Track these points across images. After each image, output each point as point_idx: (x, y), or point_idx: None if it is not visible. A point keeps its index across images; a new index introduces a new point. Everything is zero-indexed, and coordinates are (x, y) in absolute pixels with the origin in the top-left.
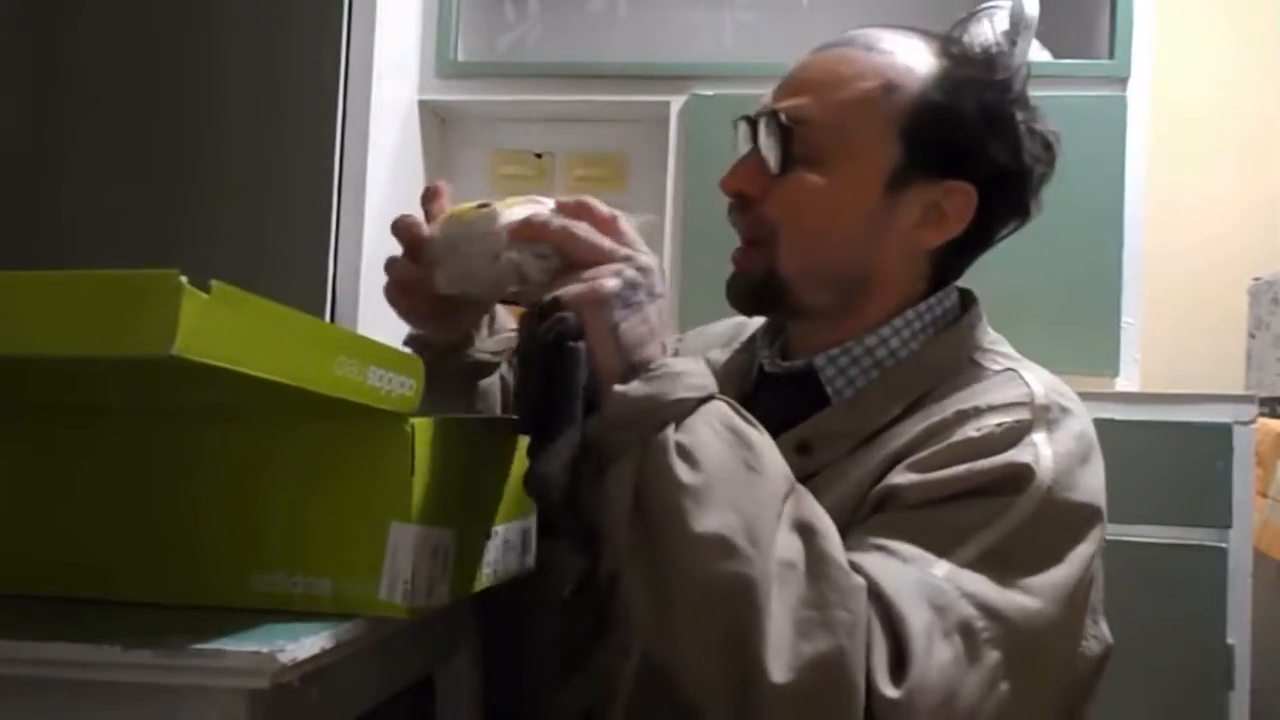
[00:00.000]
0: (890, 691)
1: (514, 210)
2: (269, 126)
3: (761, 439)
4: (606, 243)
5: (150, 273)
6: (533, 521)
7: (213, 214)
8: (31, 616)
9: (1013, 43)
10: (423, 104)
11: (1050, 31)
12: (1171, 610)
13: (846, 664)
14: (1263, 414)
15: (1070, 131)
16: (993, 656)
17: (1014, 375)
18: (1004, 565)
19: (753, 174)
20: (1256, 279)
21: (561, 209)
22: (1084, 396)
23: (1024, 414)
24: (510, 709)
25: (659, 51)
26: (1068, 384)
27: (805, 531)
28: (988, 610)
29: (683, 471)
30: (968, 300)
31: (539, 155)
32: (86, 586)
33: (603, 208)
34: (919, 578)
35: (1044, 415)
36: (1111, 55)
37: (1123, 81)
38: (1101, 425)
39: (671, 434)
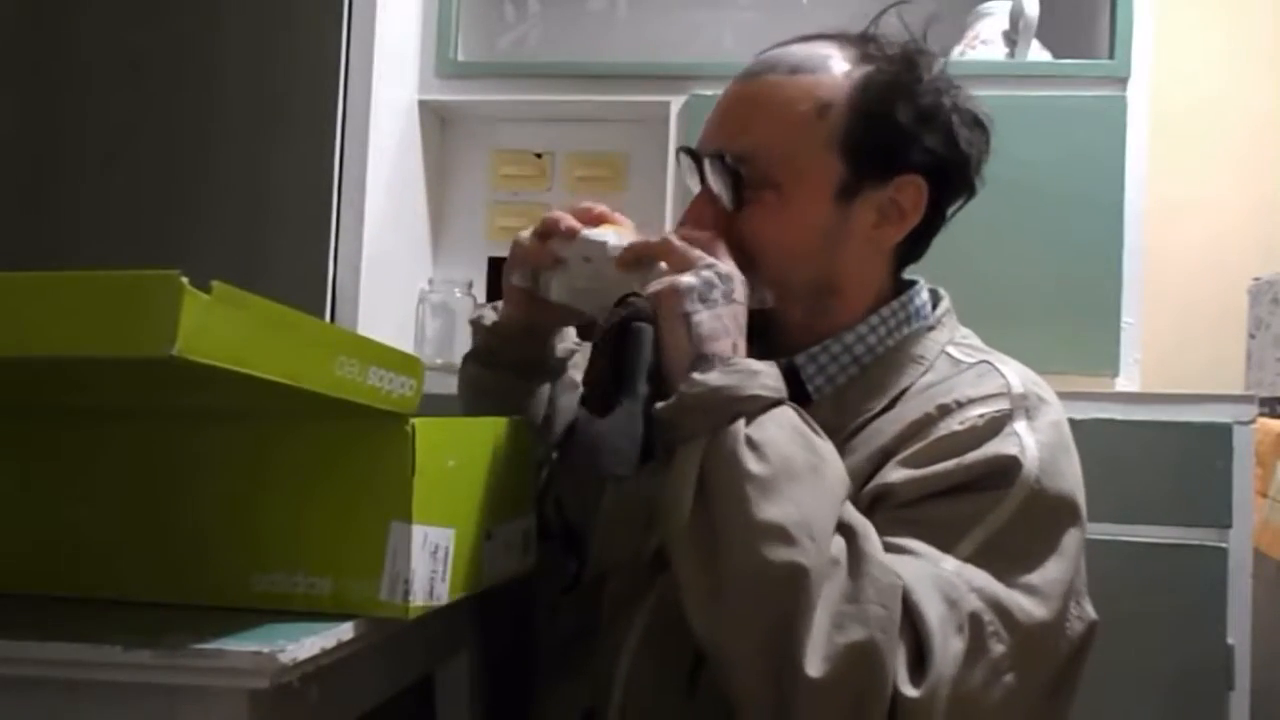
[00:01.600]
0: (910, 690)
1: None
2: (269, 126)
3: (825, 445)
4: (696, 251)
5: (151, 273)
6: (532, 521)
7: (213, 214)
8: (32, 616)
9: (924, 33)
10: (423, 104)
11: (1050, 31)
12: (1171, 610)
13: (878, 656)
14: (1263, 414)
15: (1070, 131)
16: (998, 650)
17: (989, 368)
18: (1002, 559)
19: (710, 214)
20: (1256, 279)
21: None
22: (1084, 396)
23: (1003, 404)
24: (510, 710)
25: (659, 51)
26: (1067, 384)
27: (847, 531)
28: (994, 605)
29: (750, 461)
30: (936, 297)
31: (539, 155)
32: (88, 586)
33: (700, 233)
34: (932, 571)
35: (1022, 404)
36: (1111, 55)
37: (1123, 81)
38: (1101, 425)
39: (742, 426)
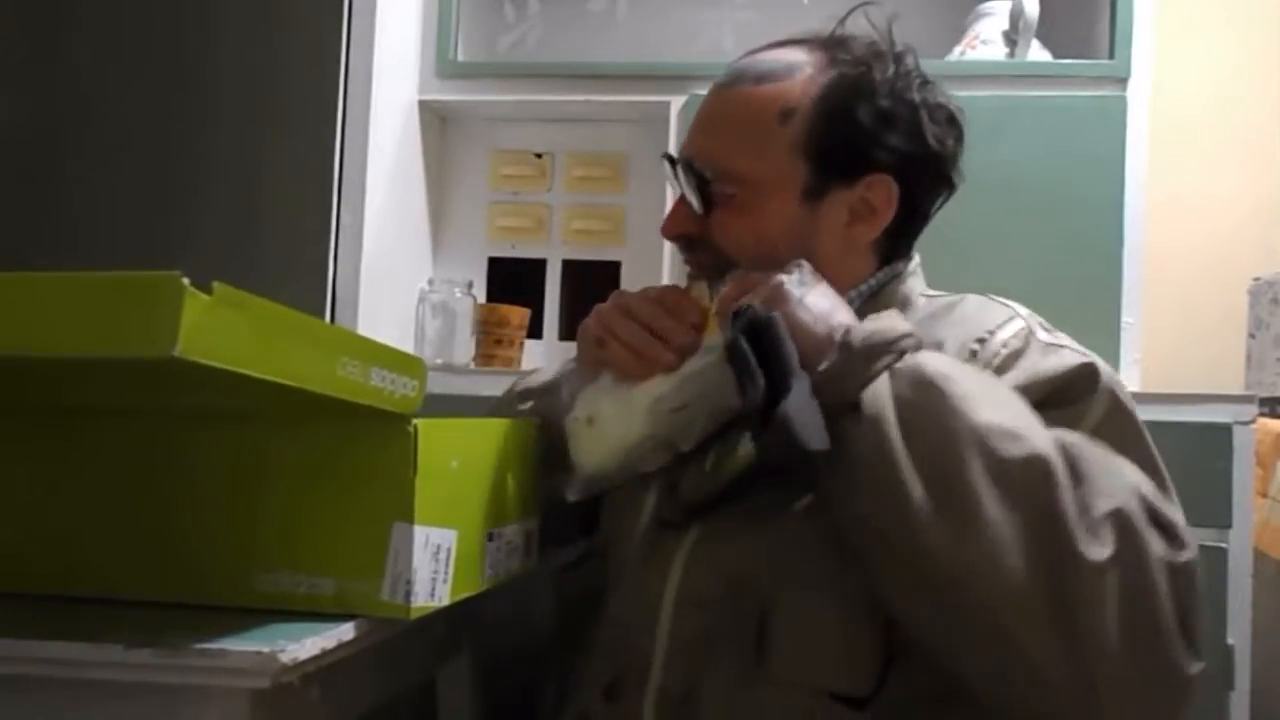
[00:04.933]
0: (1177, 555)
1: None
2: (269, 126)
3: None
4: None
5: (153, 274)
6: (536, 523)
7: (212, 214)
8: (33, 615)
9: (889, 31)
10: (423, 104)
11: (1050, 31)
12: None
13: (1132, 522)
14: (1263, 414)
15: (1070, 131)
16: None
17: (982, 299)
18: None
19: (686, 216)
20: (1256, 279)
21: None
22: None
23: (1019, 323)
24: (511, 710)
25: (659, 51)
26: None
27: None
28: (1146, 504)
29: (943, 381)
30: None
31: (539, 155)
32: (90, 586)
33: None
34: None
35: (1034, 320)
36: (1111, 55)
37: (1123, 81)
38: None
39: (915, 358)
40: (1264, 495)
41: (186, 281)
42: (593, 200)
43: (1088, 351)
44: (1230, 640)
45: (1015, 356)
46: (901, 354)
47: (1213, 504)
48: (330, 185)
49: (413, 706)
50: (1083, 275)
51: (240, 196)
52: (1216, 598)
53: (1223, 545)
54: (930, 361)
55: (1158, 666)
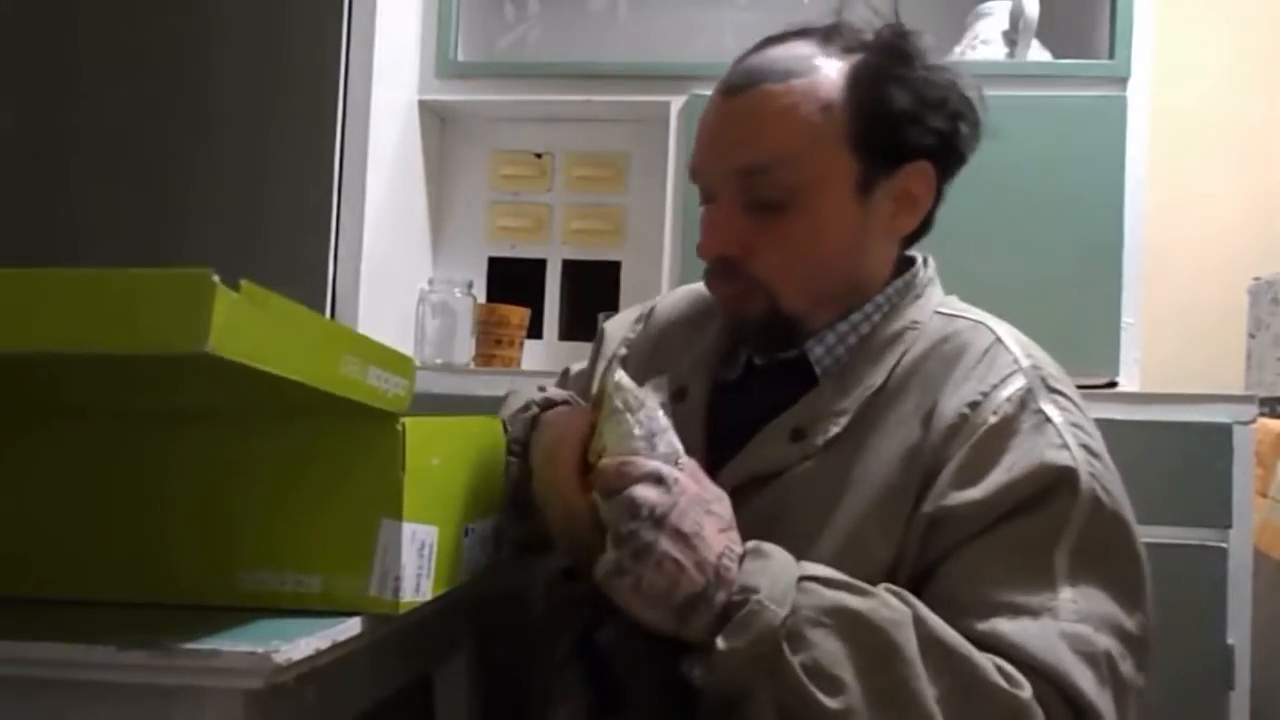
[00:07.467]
0: None
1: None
2: (269, 126)
3: (862, 601)
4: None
5: (184, 272)
6: (503, 518)
7: (212, 214)
8: (25, 617)
9: (895, 11)
10: (423, 104)
11: (1050, 31)
12: (1171, 610)
13: None
14: (1263, 414)
15: (1070, 131)
16: (1128, 672)
17: (991, 337)
18: (1099, 565)
19: (730, 234)
20: (1256, 279)
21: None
22: (1084, 396)
23: (1020, 380)
24: (508, 711)
25: (659, 51)
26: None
27: (946, 661)
28: (1117, 631)
29: (826, 699)
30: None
31: (539, 155)
32: (73, 589)
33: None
34: (1059, 630)
35: (1036, 375)
36: (1111, 55)
37: (1123, 81)
38: (1101, 425)
39: (791, 657)
40: (1264, 495)
41: (217, 279)
42: (593, 200)
43: (1076, 431)
44: (1230, 640)
45: (1003, 427)
46: (778, 650)
47: (1213, 504)
48: (330, 185)
49: (410, 706)
50: (1083, 275)
51: (240, 196)
52: (1216, 598)
53: (1223, 545)
54: (809, 656)
55: None
